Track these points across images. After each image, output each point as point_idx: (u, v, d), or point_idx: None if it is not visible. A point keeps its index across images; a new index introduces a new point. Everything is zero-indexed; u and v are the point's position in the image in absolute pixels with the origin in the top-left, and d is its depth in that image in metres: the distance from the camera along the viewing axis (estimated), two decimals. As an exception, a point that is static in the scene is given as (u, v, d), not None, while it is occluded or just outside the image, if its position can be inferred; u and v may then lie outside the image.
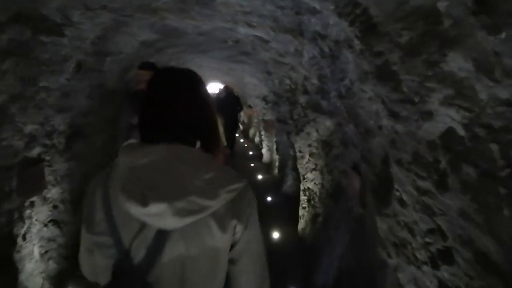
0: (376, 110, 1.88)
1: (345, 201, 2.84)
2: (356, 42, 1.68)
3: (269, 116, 6.41)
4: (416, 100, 1.28)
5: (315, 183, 3.49)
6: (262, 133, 7.15)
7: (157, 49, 4.05)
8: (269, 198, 5.11)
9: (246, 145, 9.71)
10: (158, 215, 0.74)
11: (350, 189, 2.64)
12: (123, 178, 0.78)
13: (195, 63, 5.76)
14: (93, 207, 0.84)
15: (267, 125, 6.65)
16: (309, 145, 3.49)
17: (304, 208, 3.69)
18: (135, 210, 0.74)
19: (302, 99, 3.37)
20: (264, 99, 6.36)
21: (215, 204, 0.78)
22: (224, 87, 10.60)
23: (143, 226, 0.79)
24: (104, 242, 0.82)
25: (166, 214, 0.74)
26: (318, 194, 3.43)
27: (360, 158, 2.36)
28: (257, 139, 9.37)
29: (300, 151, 3.76)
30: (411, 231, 1.54)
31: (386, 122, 1.58)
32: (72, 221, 2.96)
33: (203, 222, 0.79)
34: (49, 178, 2.65)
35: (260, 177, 6.29)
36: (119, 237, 0.80)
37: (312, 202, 3.55)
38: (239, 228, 0.84)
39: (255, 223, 0.89)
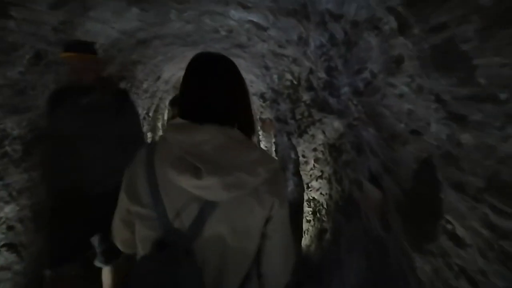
0: (408, 110, 1.42)
1: (359, 218, 2.38)
2: (392, 17, 1.21)
3: (267, 115, 5.94)
4: (502, 97, 0.82)
5: (321, 193, 3.03)
6: (260, 133, 6.69)
7: (140, 40, 3.56)
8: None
9: None
10: (209, 188, 0.80)
11: (367, 205, 2.18)
12: (174, 153, 0.84)
13: (186, 58, 5.26)
14: (137, 181, 0.89)
15: (265, 125, 6.18)
16: (314, 149, 3.02)
17: (309, 221, 3.23)
18: (188, 182, 0.81)
19: (306, 96, 2.91)
20: (262, 96, 5.88)
21: (256, 181, 0.85)
22: None
23: (189, 199, 0.84)
24: (148, 214, 0.86)
25: (217, 187, 0.80)
26: (325, 206, 2.97)
27: (382, 168, 1.90)
28: (254, 139, 8.89)
29: (303, 156, 3.30)
30: (474, 284, 1.07)
31: (438, 127, 1.11)
32: (34, 242, 2.49)
33: (244, 198, 0.86)
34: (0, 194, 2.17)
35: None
36: (164, 210, 0.85)
37: (318, 215, 3.09)
38: (275, 205, 0.91)
39: (286, 201, 0.96)
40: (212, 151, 0.83)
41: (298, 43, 2.45)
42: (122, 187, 0.96)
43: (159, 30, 3.42)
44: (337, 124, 2.61)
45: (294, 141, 4.02)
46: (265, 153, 0.97)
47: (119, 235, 1.01)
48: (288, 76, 3.47)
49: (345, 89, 2.25)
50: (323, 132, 2.81)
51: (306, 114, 3.01)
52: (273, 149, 5.64)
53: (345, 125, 2.49)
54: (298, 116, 3.26)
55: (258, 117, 6.57)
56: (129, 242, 0.98)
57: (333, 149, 2.75)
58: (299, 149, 3.34)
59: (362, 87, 1.85)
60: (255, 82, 5.74)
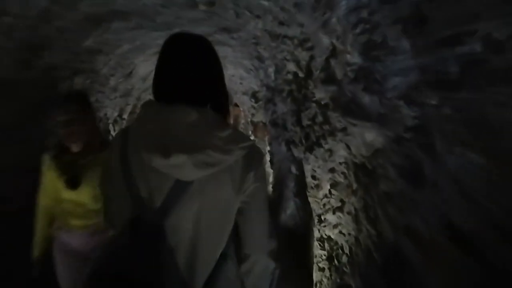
0: None
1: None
2: None
3: (260, 117, 5.02)
4: None
5: (341, 232, 2.13)
6: (251, 138, 5.78)
7: (89, 17, 2.60)
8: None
9: None
10: (178, 166, 0.80)
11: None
12: (145, 132, 0.85)
13: (158, 47, 4.30)
14: (112, 164, 0.92)
15: (257, 129, 5.25)
16: (332, 170, 2.11)
17: (322, 270, 2.31)
18: (158, 161, 0.80)
19: (321, 93, 2.00)
20: (254, 95, 4.96)
21: (229, 159, 0.84)
22: None
23: (161, 178, 0.84)
24: (122, 195, 0.89)
25: (186, 165, 0.80)
26: (348, 252, 2.06)
27: (487, 223, 1.00)
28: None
29: (314, 177, 2.38)
30: None
31: None
32: None
33: (218, 175, 0.85)
34: None
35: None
36: (137, 189, 0.86)
37: (336, 262, 2.17)
38: (250, 182, 0.90)
39: (263, 177, 0.97)
40: (184, 130, 0.83)
41: (315, 7, 1.53)
42: (101, 172, 1.07)
43: (113, 3, 2.47)
44: (372, 135, 1.71)
45: (297, 153, 3.11)
46: (239, 132, 0.94)
47: (106, 213, 1.03)
48: (291, 67, 2.55)
49: (398, 80, 1.35)
50: (347, 147, 1.90)
51: (319, 119, 2.09)
52: (268, 158, 4.73)
53: (388, 138, 1.59)
54: (306, 122, 2.35)
55: (249, 120, 5.64)
56: (112, 219, 1.00)
57: (363, 172, 1.86)
58: (308, 167, 2.42)
59: (456, 71, 0.94)
60: (245, 79, 4.81)
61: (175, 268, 0.85)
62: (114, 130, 5.66)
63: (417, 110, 1.39)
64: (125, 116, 6.60)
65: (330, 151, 2.06)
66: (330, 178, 2.15)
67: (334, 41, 1.63)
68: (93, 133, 1.95)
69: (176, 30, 3.28)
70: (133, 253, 0.83)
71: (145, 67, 5.62)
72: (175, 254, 0.85)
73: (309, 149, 2.29)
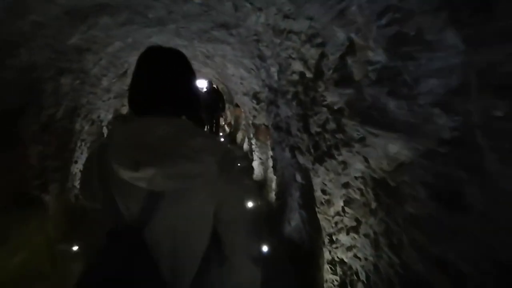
0: None
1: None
2: None
3: (262, 120, 4.74)
4: None
5: (357, 257, 1.86)
6: (253, 141, 5.49)
7: (71, 11, 2.33)
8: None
9: None
10: (148, 178, 0.80)
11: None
12: (116, 146, 0.85)
13: (150, 44, 4.02)
14: (88, 174, 0.94)
15: (259, 132, 4.98)
16: (346, 185, 1.83)
17: (333, 297, 2.03)
18: (127, 174, 0.81)
19: (334, 96, 1.72)
20: (255, 96, 4.67)
21: (201, 167, 0.84)
22: (208, 81, 9.67)
23: (135, 190, 0.83)
24: (99, 207, 0.93)
25: (155, 177, 0.80)
26: (364, 279, 1.79)
27: None
28: (246, 146, 7.66)
29: (324, 192, 2.10)
30: None
31: None
32: None
33: (191, 184, 0.85)
34: None
35: (249, 205, 4.59)
36: (114, 203, 0.86)
37: (350, 291, 1.90)
38: (225, 187, 0.90)
39: (238, 182, 1.00)
40: (155, 142, 0.83)
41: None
42: (80, 185, 1.02)
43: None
44: (396, 148, 1.44)
45: (302, 160, 2.83)
46: (212, 140, 0.95)
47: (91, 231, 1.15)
48: (297, 66, 2.27)
49: (435, 83, 1.08)
50: (365, 160, 1.62)
51: (331, 126, 1.81)
52: (270, 164, 4.45)
53: (417, 151, 1.32)
54: (314, 129, 2.07)
55: (250, 122, 5.36)
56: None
57: (384, 189, 1.59)
58: (317, 180, 2.14)
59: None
60: (246, 78, 4.53)
61: (158, 275, 0.85)
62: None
63: (457, 120, 1.12)
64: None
65: (344, 163, 1.78)
66: (343, 194, 1.87)
67: (353, 35, 1.35)
68: None
69: (170, 26, 3.00)
70: (116, 268, 0.84)
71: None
72: (157, 262, 0.85)
73: (319, 160, 2.01)
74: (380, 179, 1.62)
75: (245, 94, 5.00)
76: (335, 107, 1.73)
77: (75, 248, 3.35)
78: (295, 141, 2.94)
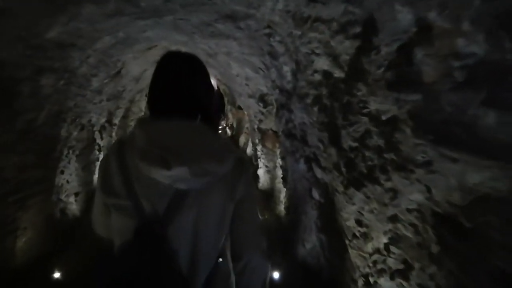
0: None
1: None
2: None
3: (269, 125, 4.30)
4: None
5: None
6: (258, 147, 5.05)
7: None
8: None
9: None
10: (179, 177, 0.84)
11: None
12: (144, 146, 0.87)
13: (148, 41, 3.58)
14: (110, 174, 0.93)
15: (266, 138, 4.54)
16: (393, 218, 1.40)
17: None
18: (159, 173, 0.84)
19: (386, 102, 1.29)
20: (262, 99, 4.24)
21: (223, 167, 0.89)
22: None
23: (161, 188, 0.87)
24: (123, 204, 0.90)
25: (186, 175, 0.84)
26: None
27: None
28: (249, 151, 7.22)
29: (360, 222, 1.65)
30: None
31: None
32: None
33: (213, 184, 0.89)
34: None
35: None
36: (138, 200, 0.88)
37: None
38: (241, 187, 0.95)
39: (252, 183, 1.05)
40: (178, 143, 0.86)
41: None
42: (97, 183, 0.99)
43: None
44: (479, 177, 1.01)
45: (320, 174, 2.41)
46: (228, 142, 1.01)
47: (100, 226, 1.06)
48: (321, 64, 1.84)
49: None
50: (428, 189, 1.19)
51: (376, 142, 1.38)
52: (279, 174, 4.01)
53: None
54: (348, 143, 1.63)
55: (256, 126, 4.93)
56: (108, 230, 1.01)
57: (454, 230, 1.16)
58: (351, 208, 1.69)
59: None
60: (252, 79, 4.10)
61: (177, 271, 0.87)
62: (102, 138, 4.96)
63: None
64: (116, 121, 5.90)
65: (394, 191, 1.34)
66: (389, 230, 1.43)
67: (432, 15, 0.91)
68: None
69: (167, 17, 2.54)
70: (137, 263, 0.86)
71: (137, 65, 4.93)
72: (176, 259, 0.88)
73: (355, 184, 1.58)
74: (447, 215, 1.19)
75: (250, 96, 4.56)
76: (383, 117, 1.30)
77: (57, 275, 2.93)
78: (314, 152, 2.50)
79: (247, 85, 4.47)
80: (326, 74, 1.87)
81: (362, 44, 1.40)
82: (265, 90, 3.98)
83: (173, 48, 4.61)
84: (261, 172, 5.08)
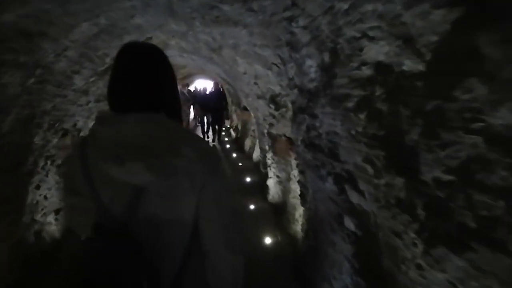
0: None
1: None
2: None
3: (282, 130, 3.71)
4: None
5: None
6: (268, 155, 4.46)
7: None
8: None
9: (240, 163, 6.80)
10: (133, 173, 0.83)
11: None
12: (102, 143, 0.88)
13: (139, 32, 2.98)
14: (73, 174, 0.94)
15: (279, 146, 3.95)
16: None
17: None
18: (113, 170, 0.84)
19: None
20: (273, 100, 3.65)
21: (182, 162, 0.86)
22: (214, 83, 9.45)
23: (120, 185, 0.85)
24: (86, 203, 0.90)
25: (141, 171, 0.82)
26: None
27: None
28: (256, 156, 6.62)
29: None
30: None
31: None
32: None
33: (172, 178, 0.86)
34: None
35: (266, 240, 3.54)
36: (99, 197, 0.88)
37: None
38: (206, 180, 0.90)
39: (220, 175, 0.96)
40: (137, 138, 0.86)
41: None
42: (64, 183, 1.01)
43: None
44: None
45: (357, 199, 1.84)
46: (191, 135, 1.00)
47: (71, 221, 1.09)
48: (375, 52, 1.26)
49: None
50: None
51: (501, 178, 0.78)
52: (294, 188, 3.41)
53: None
54: (435, 173, 1.02)
55: (265, 131, 4.33)
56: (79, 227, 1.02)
57: None
58: (437, 275, 1.09)
59: None
60: (262, 77, 3.51)
61: (142, 267, 0.86)
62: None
63: None
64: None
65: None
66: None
67: None
68: None
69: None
70: (100, 258, 0.85)
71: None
72: (141, 255, 0.86)
73: (447, 241, 0.98)
74: None
75: (259, 97, 3.97)
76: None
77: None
78: (349, 171, 1.92)
79: (256, 84, 3.88)
80: (383, 68, 1.28)
81: (470, 14, 0.81)
82: (277, 90, 3.39)
83: (172, 43, 4.03)
84: (271, 182, 4.49)
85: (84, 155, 0.90)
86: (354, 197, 1.94)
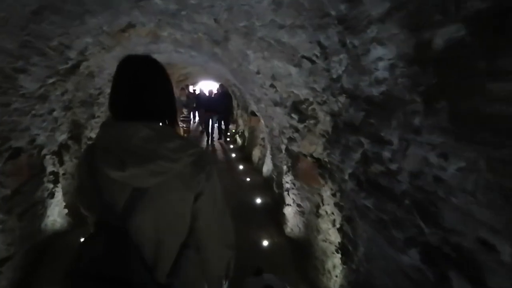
0: None
1: None
2: None
3: (308, 148, 2.76)
4: None
5: None
6: (287, 177, 3.50)
7: None
8: None
9: (248, 178, 5.80)
10: (133, 176, 0.90)
11: None
12: (105, 150, 0.94)
13: (111, 13, 2.05)
14: (81, 177, 1.00)
15: (301, 166, 3.00)
16: None
17: None
18: (115, 174, 0.90)
19: None
20: (296, 109, 2.71)
21: (178, 166, 0.93)
22: (220, 85, 9.21)
23: (121, 187, 0.92)
24: (92, 202, 0.97)
25: (140, 175, 0.90)
26: None
27: None
28: (266, 170, 5.65)
29: None
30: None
31: None
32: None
33: (170, 181, 0.93)
34: None
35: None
36: (104, 199, 0.94)
37: None
38: (201, 182, 0.98)
39: (213, 177, 1.03)
40: (137, 144, 0.90)
41: None
42: (74, 185, 1.06)
43: None
44: None
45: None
46: (188, 141, 1.03)
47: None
48: None
49: None
50: None
51: None
52: (325, 227, 2.46)
53: None
54: None
55: (283, 147, 3.39)
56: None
57: None
58: None
59: None
60: (282, 78, 2.59)
61: (141, 262, 0.91)
62: (61, 163, 3.45)
63: None
64: (92, 134, 4.40)
65: None
66: None
67: None
68: None
69: None
70: (102, 253, 0.90)
71: (114, 59, 3.42)
72: (140, 251, 0.92)
73: None
74: None
75: (277, 104, 3.03)
76: None
77: None
78: (463, 249, 0.99)
79: (272, 86, 2.94)
80: None
81: None
82: (304, 94, 2.45)
83: (164, 33, 3.10)
84: (289, 212, 3.54)
85: (91, 158, 0.96)
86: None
